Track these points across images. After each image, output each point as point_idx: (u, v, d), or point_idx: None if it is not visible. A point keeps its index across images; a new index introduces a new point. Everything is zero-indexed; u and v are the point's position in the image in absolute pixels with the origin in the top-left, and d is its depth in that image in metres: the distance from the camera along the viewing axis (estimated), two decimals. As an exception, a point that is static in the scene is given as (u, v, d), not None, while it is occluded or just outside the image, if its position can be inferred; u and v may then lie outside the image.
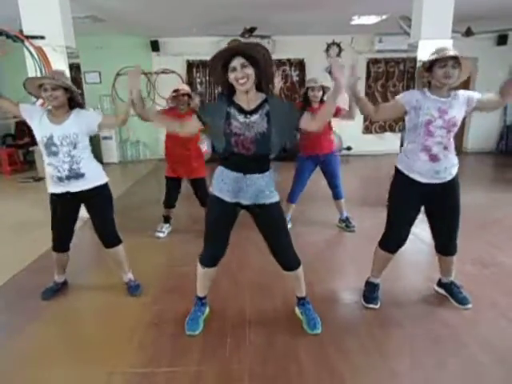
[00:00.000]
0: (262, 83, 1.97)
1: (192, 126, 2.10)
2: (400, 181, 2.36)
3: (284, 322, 2.34)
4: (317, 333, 2.21)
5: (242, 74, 1.86)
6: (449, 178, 2.27)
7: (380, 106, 2.33)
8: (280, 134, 1.95)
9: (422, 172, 2.25)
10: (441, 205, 2.33)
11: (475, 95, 2.23)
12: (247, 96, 1.94)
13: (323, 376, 1.91)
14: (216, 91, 7.92)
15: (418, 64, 2.28)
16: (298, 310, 2.37)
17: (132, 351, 2.11)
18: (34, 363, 2.05)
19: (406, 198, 2.34)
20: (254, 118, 1.93)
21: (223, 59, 1.89)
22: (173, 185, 3.77)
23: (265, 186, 2.03)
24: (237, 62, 1.86)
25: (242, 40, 6.61)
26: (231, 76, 1.89)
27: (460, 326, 2.27)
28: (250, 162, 1.98)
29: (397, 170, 2.38)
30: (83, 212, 2.59)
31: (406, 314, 2.41)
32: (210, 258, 2.21)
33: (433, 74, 2.16)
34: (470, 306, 2.43)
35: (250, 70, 1.88)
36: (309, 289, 2.38)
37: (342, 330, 2.26)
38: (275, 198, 2.09)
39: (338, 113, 3.66)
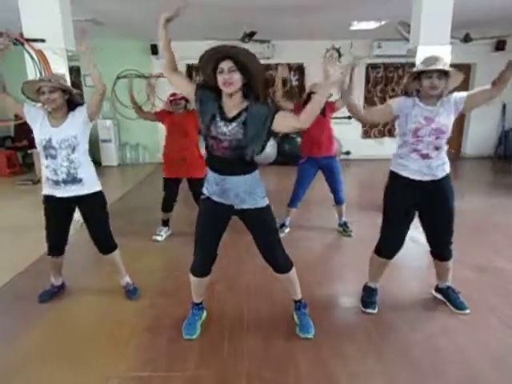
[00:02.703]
0: (250, 92, 1.95)
1: (183, 82, 2.07)
2: (394, 184, 2.37)
3: (282, 325, 2.34)
4: (308, 337, 2.20)
5: (228, 77, 1.86)
6: (441, 174, 2.29)
7: (371, 108, 2.36)
8: (255, 141, 1.93)
9: (415, 169, 2.27)
10: (434, 207, 2.34)
11: (462, 94, 2.23)
12: (231, 100, 1.94)
13: (320, 380, 1.90)
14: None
15: (406, 77, 2.29)
16: (295, 315, 2.36)
17: (129, 355, 2.11)
18: (31, 367, 2.04)
19: (400, 202, 2.35)
20: (232, 126, 1.93)
21: (213, 61, 1.89)
22: (171, 186, 3.75)
23: (248, 188, 2.02)
24: (225, 64, 1.86)
25: (243, 45, 6.64)
26: (219, 78, 1.89)
27: (458, 331, 2.27)
28: (228, 164, 1.99)
29: (391, 173, 2.39)
30: (79, 215, 2.59)
31: (404, 319, 2.41)
32: (201, 266, 2.18)
33: (420, 83, 2.19)
34: (467, 311, 2.43)
35: (237, 75, 1.87)
36: (307, 293, 2.38)
37: (339, 335, 2.26)
38: (262, 203, 2.08)
39: (334, 109, 3.66)
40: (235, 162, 1.98)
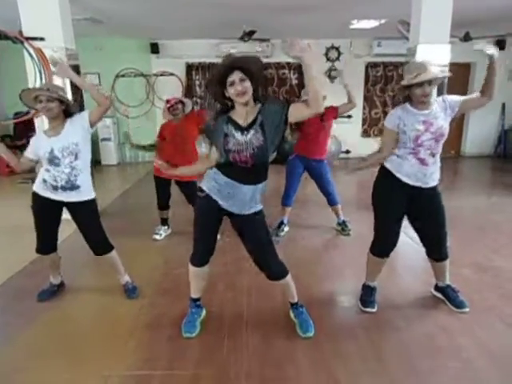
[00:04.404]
0: (257, 93, 1.97)
1: (213, 154, 2.08)
2: (385, 181, 2.37)
3: (282, 324, 2.34)
4: (309, 336, 2.20)
5: (241, 88, 1.86)
6: (432, 184, 2.31)
7: (383, 145, 2.34)
8: (273, 139, 1.94)
9: (409, 173, 2.27)
10: (423, 213, 2.35)
11: (457, 99, 2.24)
12: (246, 109, 1.94)
13: (320, 379, 1.90)
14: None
15: (397, 88, 2.28)
16: (291, 314, 2.37)
17: (129, 354, 2.11)
18: (30, 366, 2.04)
19: (392, 199, 2.35)
20: (251, 134, 1.93)
21: (220, 75, 1.89)
22: (162, 185, 3.71)
23: (252, 196, 2.05)
24: (235, 76, 1.86)
25: (242, 43, 6.62)
26: (230, 91, 1.88)
27: (457, 330, 2.27)
28: (249, 173, 1.99)
29: (383, 170, 2.38)
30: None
31: (404, 318, 2.41)
32: (200, 256, 2.22)
33: (411, 91, 2.17)
34: (467, 309, 2.44)
35: (248, 83, 1.88)
36: (306, 292, 2.38)
37: (339, 334, 2.26)
38: (257, 208, 2.11)
39: (335, 114, 3.65)
40: (258, 169, 1.99)
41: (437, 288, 2.62)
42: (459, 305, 2.46)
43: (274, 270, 2.18)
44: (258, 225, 2.13)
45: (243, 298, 2.65)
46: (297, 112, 1.92)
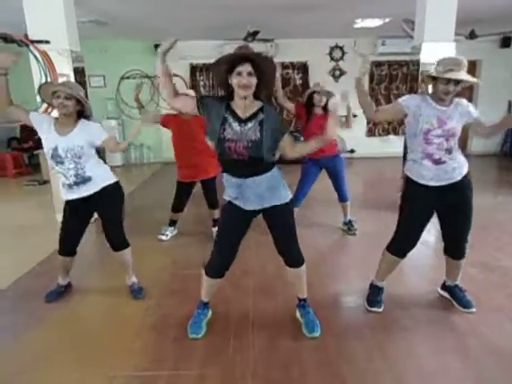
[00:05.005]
0: (261, 93, 1.97)
1: (187, 101, 2.07)
2: (412, 189, 2.35)
3: (288, 325, 2.34)
4: (314, 336, 2.20)
5: (245, 81, 1.85)
6: (458, 177, 2.26)
7: (380, 107, 2.34)
8: (271, 142, 1.93)
9: (431, 177, 2.24)
10: (453, 207, 2.31)
11: (474, 113, 2.21)
12: (244, 102, 1.93)
13: (326, 380, 1.90)
14: (220, 94, 7.93)
15: (424, 70, 2.25)
16: (298, 313, 2.37)
17: (135, 354, 2.12)
18: (37, 366, 2.05)
19: (419, 207, 2.32)
20: (249, 126, 1.93)
21: (231, 61, 1.87)
22: (184, 190, 3.72)
23: (270, 185, 2.03)
24: (244, 68, 1.85)
25: (249, 45, 6.62)
26: (234, 80, 1.88)
27: (464, 330, 2.26)
28: (246, 166, 1.98)
29: (407, 178, 2.37)
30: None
31: (410, 318, 2.40)
32: (216, 268, 2.19)
33: (435, 84, 2.15)
34: (473, 309, 2.42)
35: (254, 80, 1.88)
36: (312, 292, 2.38)
37: (345, 334, 2.26)
38: (283, 199, 2.09)
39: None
40: (254, 162, 1.96)
41: (444, 287, 2.60)
42: (466, 304, 2.44)
43: (295, 255, 2.22)
44: (287, 216, 2.16)
45: (249, 299, 2.65)
46: (284, 145, 1.99)
